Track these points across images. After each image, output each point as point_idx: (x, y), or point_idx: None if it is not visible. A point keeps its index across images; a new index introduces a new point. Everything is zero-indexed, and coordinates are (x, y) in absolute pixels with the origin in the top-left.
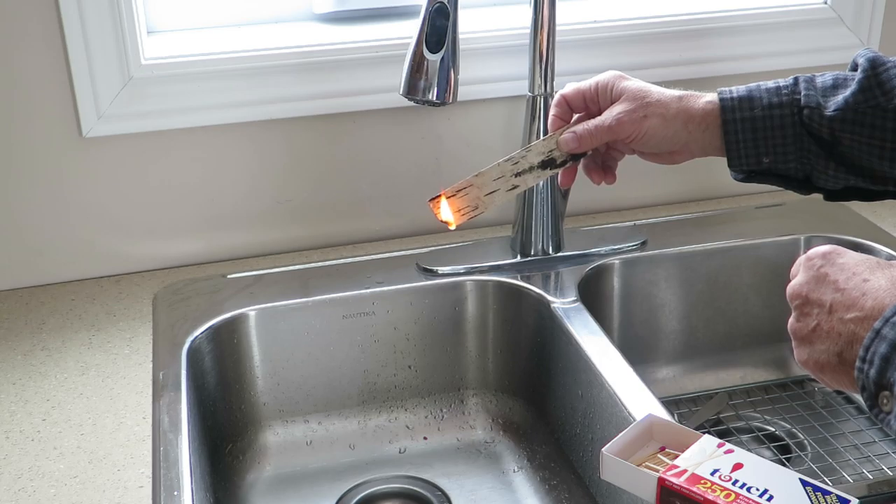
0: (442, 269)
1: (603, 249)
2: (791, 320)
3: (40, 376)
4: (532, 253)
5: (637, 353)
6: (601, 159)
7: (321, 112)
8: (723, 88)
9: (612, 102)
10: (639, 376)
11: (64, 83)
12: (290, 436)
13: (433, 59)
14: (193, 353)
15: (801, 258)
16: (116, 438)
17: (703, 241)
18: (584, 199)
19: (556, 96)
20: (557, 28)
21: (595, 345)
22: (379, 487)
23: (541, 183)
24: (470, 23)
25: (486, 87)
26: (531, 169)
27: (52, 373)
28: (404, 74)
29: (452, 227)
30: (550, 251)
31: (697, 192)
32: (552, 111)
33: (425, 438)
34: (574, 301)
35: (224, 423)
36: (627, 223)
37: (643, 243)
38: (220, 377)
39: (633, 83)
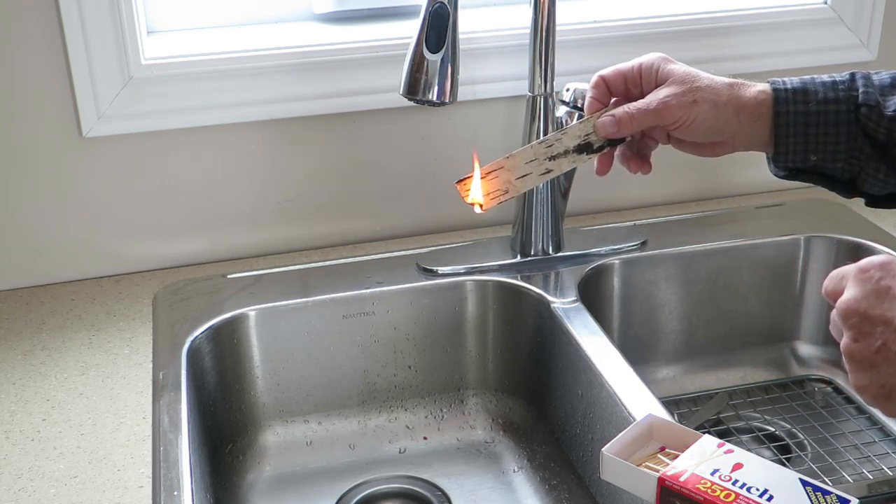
0: (442, 269)
1: (603, 249)
2: (846, 341)
3: (40, 376)
4: (532, 253)
5: (637, 353)
6: (636, 147)
7: (321, 112)
8: (775, 79)
9: (657, 86)
10: (639, 376)
11: (64, 83)
12: (290, 436)
13: (433, 59)
14: (193, 353)
15: (850, 270)
16: (116, 438)
17: (703, 241)
18: (584, 199)
19: (595, 77)
20: (557, 28)
21: (595, 345)
22: (379, 487)
23: (540, 184)
24: (470, 23)
25: (486, 87)
26: (566, 153)
27: (52, 373)
28: (404, 74)
29: (480, 211)
30: (550, 251)
31: (697, 192)
32: (589, 93)
33: (425, 438)
34: (574, 301)
35: (224, 423)
36: (627, 223)
37: (643, 243)
38: (220, 377)
39: (680, 66)
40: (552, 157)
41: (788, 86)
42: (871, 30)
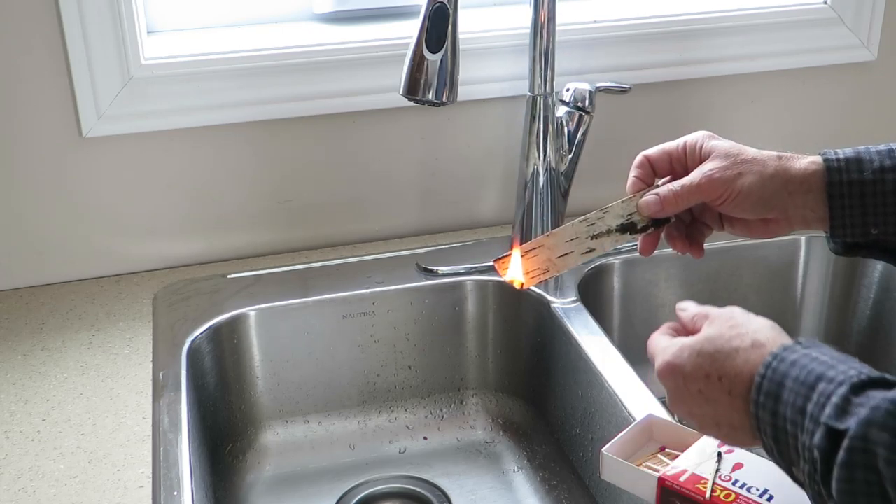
0: (442, 269)
1: None
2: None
3: (40, 376)
4: None
5: (637, 353)
6: (685, 230)
7: (321, 112)
8: (827, 150)
9: (701, 163)
10: (639, 376)
11: (64, 83)
12: (290, 436)
13: (433, 59)
14: (193, 353)
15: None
16: (116, 438)
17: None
18: (584, 199)
19: (639, 157)
20: (557, 28)
21: (595, 345)
22: (379, 487)
23: (540, 181)
24: (470, 23)
25: (486, 87)
26: (609, 232)
27: (52, 373)
28: (404, 74)
29: (520, 287)
30: None
31: None
32: (632, 172)
33: (425, 438)
34: (574, 301)
35: (224, 423)
36: None
37: None
38: (220, 377)
39: (725, 142)
40: (594, 236)
41: (841, 155)
42: (871, 30)
